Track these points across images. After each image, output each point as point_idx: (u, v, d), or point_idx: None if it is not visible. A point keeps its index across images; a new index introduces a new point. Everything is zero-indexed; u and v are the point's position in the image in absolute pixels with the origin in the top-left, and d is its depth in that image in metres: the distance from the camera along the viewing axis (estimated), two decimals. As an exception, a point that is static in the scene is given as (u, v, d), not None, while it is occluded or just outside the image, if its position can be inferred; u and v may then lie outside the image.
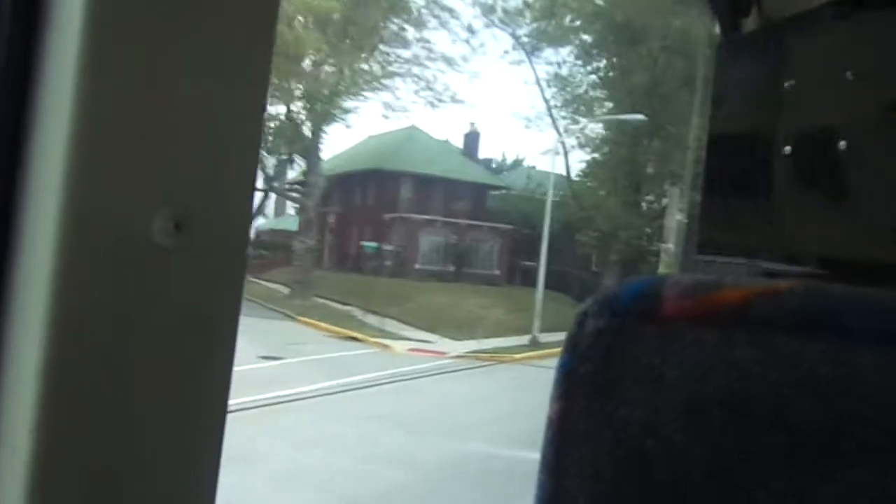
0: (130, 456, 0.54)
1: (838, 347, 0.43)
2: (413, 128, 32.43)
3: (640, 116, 23.69)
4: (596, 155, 30.23)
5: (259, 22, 0.57)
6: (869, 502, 0.41)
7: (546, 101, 29.75)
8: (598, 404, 0.50)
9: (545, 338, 20.47)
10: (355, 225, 31.66)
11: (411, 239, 29.92)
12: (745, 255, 1.12)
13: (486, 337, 20.95)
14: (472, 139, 35.35)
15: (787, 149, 1.15)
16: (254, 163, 0.58)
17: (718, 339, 0.46)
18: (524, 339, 20.98)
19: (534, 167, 33.53)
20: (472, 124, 35.86)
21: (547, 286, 25.09)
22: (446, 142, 34.98)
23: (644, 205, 29.21)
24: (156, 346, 0.54)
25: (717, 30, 1.28)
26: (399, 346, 19.52)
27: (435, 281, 27.94)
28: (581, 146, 30.21)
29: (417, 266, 29.66)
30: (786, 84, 1.13)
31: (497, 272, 30.77)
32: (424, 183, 31.54)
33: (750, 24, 1.23)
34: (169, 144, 0.52)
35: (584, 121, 28.97)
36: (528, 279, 29.02)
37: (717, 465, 0.45)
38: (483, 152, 36.34)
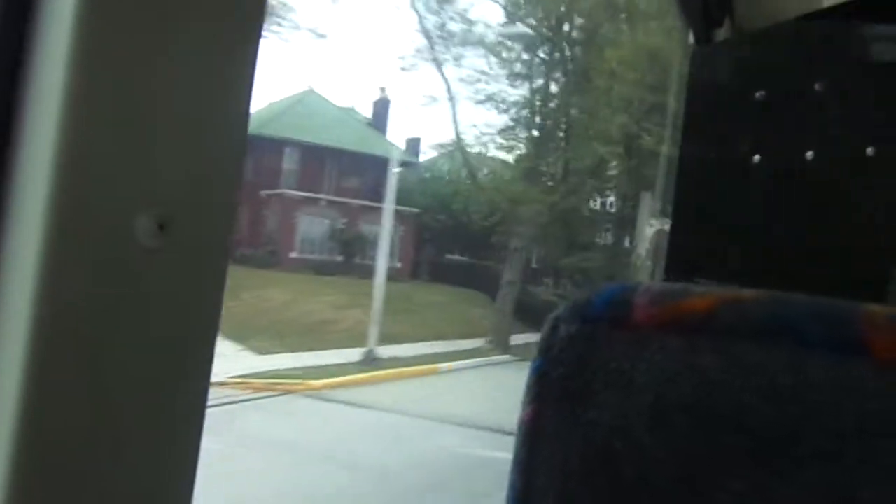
0: (111, 454, 0.54)
1: (797, 356, 0.46)
2: (310, 92, 27.59)
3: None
4: (507, 117, 22.66)
5: (245, 23, 0.57)
6: (821, 502, 0.44)
7: (426, 32, 21.83)
8: (569, 407, 0.52)
9: (396, 352, 16.23)
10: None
11: (287, 221, 24.47)
12: (716, 273, 1.16)
13: (314, 349, 16.07)
14: (381, 107, 29.49)
15: (757, 157, 1.20)
16: (238, 164, 0.59)
17: (684, 346, 0.49)
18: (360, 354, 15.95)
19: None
20: (383, 90, 29.69)
21: (467, 284, 22.37)
22: (350, 109, 29.39)
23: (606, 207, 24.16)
24: (138, 344, 0.54)
25: (691, 39, 1.32)
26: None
27: (312, 273, 22.89)
28: (482, 101, 22.41)
29: (293, 255, 24.29)
30: (756, 94, 1.18)
31: (399, 265, 24.72)
32: (314, 154, 25.95)
33: (723, 34, 1.28)
34: (153, 146, 0.53)
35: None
36: (445, 275, 25.16)
37: (681, 466, 0.48)
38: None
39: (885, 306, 0.46)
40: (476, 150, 24.15)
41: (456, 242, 27.15)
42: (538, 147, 22.16)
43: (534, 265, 26.70)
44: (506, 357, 18.73)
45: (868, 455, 0.43)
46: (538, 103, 22.07)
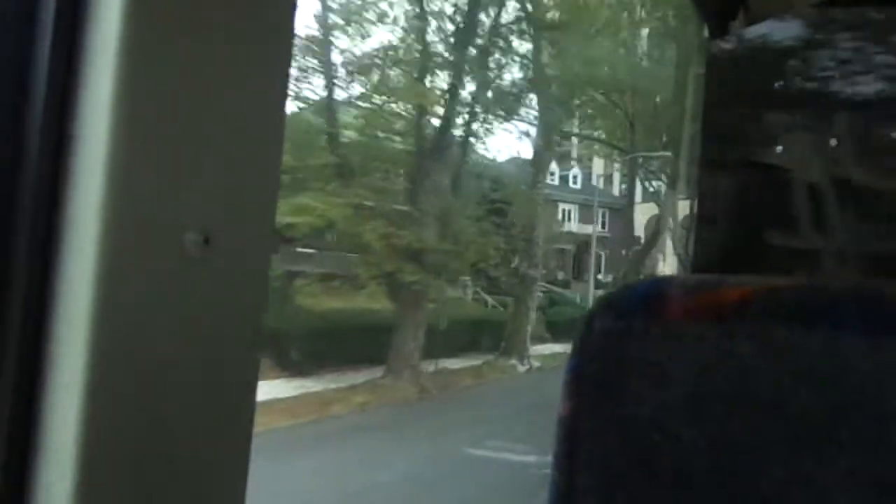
0: (163, 454, 0.57)
1: (834, 339, 0.46)
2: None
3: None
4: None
5: (276, 48, 0.61)
6: (865, 485, 0.45)
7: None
8: (607, 402, 0.53)
9: None
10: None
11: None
12: (742, 266, 1.16)
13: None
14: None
15: (779, 148, 1.19)
16: (275, 182, 0.62)
17: (720, 335, 0.49)
18: None
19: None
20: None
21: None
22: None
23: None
24: (188, 349, 0.57)
25: (706, 32, 1.32)
26: None
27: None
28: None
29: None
30: (775, 84, 1.18)
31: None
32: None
33: (738, 26, 1.28)
34: (198, 167, 0.57)
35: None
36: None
37: (721, 455, 0.48)
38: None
39: None
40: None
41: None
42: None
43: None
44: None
45: None
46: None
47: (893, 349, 0.44)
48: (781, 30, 1.21)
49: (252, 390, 0.62)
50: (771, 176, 1.20)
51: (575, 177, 36.64)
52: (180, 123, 0.55)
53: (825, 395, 0.46)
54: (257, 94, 0.60)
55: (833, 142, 1.16)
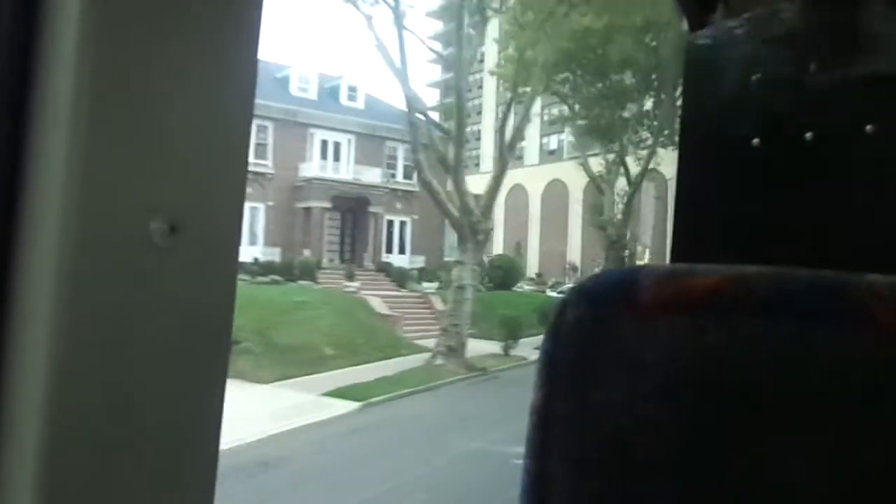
0: (129, 447, 0.56)
1: (801, 328, 0.47)
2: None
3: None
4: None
5: (244, 33, 0.60)
6: (830, 469, 0.45)
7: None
8: (580, 388, 0.53)
9: None
10: None
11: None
12: (720, 256, 1.16)
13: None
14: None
15: (756, 141, 1.20)
16: (244, 168, 0.61)
17: (691, 324, 0.50)
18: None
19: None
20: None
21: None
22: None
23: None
24: (154, 341, 0.56)
25: (685, 26, 1.32)
26: None
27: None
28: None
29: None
30: (752, 77, 1.18)
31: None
32: None
33: (717, 18, 1.28)
34: (164, 152, 0.56)
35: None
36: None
37: (691, 441, 0.49)
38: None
39: (886, 276, 0.46)
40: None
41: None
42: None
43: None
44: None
45: (873, 424, 0.44)
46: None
47: (861, 338, 0.45)
48: (762, 20, 1.21)
49: (221, 383, 0.61)
50: (748, 165, 1.20)
51: (353, 89, 25.06)
52: (145, 108, 0.54)
53: (794, 383, 0.46)
54: (225, 78, 0.59)
55: (809, 135, 1.17)
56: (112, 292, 0.53)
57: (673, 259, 1.28)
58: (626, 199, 29.16)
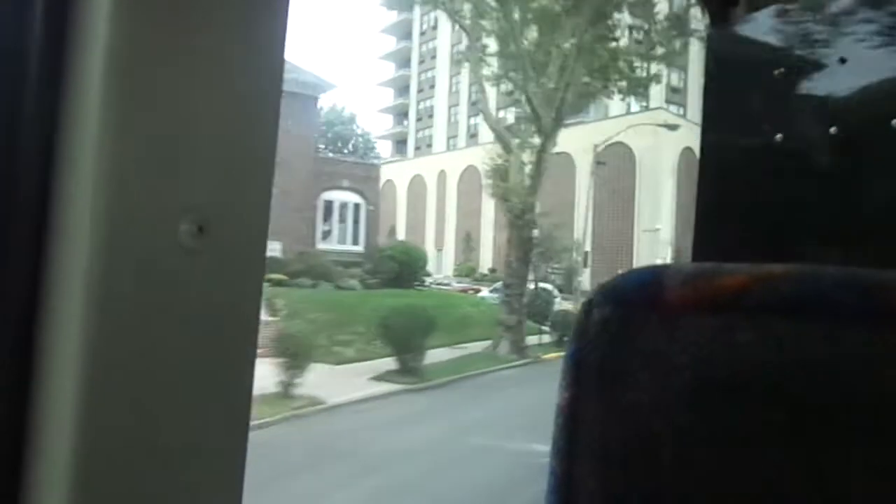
0: (159, 449, 0.56)
1: (831, 327, 0.46)
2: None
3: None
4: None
5: (271, 36, 0.61)
6: (862, 474, 0.44)
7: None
8: (606, 390, 0.53)
9: None
10: None
11: None
12: (744, 255, 1.16)
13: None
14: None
15: (779, 136, 1.19)
16: (270, 171, 0.62)
17: (718, 324, 0.49)
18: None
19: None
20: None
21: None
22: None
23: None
24: (183, 339, 0.57)
25: (707, 20, 1.31)
26: None
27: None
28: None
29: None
30: (775, 72, 1.17)
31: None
32: None
33: (740, 12, 1.27)
34: (193, 154, 0.56)
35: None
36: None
37: (720, 443, 0.48)
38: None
39: None
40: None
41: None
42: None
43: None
44: None
45: None
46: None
47: (890, 335, 0.44)
48: (784, 13, 1.20)
49: (249, 383, 0.61)
50: (771, 162, 1.20)
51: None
52: (175, 111, 0.55)
53: (824, 383, 0.46)
54: (253, 81, 0.60)
55: (833, 130, 1.16)
56: (141, 293, 0.54)
57: (695, 257, 1.27)
58: (536, 155, 20.11)
